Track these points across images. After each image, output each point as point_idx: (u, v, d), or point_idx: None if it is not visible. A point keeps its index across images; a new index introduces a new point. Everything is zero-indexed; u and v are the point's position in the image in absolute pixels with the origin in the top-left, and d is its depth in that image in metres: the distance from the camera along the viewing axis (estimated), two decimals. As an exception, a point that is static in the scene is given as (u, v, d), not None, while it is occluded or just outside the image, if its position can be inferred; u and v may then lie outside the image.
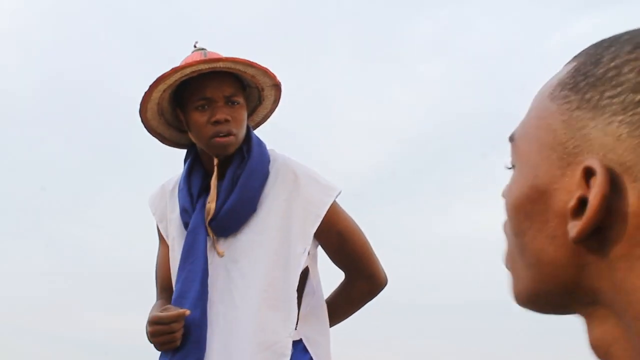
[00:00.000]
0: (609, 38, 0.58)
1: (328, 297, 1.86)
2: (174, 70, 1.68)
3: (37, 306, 5.33)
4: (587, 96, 0.54)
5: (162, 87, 1.70)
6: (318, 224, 1.72)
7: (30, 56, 5.77)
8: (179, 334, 1.62)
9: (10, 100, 5.57)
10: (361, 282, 1.84)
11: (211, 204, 1.73)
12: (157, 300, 1.88)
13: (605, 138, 0.52)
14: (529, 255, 0.57)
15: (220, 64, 1.69)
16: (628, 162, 0.51)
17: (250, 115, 1.84)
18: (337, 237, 1.78)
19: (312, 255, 1.78)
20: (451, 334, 5.35)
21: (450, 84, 5.84)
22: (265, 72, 1.74)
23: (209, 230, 1.73)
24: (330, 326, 1.84)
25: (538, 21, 5.77)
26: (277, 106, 1.87)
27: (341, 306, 1.87)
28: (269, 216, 1.72)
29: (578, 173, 0.53)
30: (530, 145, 0.58)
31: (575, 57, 0.59)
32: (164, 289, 1.87)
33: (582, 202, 0.52)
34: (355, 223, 1.82)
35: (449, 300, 5.40)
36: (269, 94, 1.82)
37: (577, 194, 0.53)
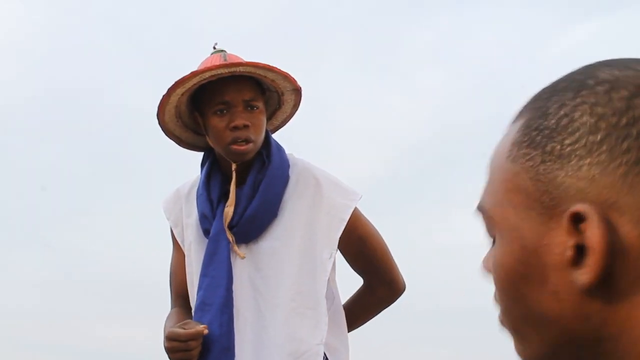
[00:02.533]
0: (546, 89, 0.59)
1: (345, 303, 1.84)
2: (193, 74, 1.65)
3: (35, 315, 5.32)
4: (548, 148, 0.55)
5: (180, 90, 1.67)
6: (343, 228, 1.70)
7: (28, 66, 5.79)
8: (195, 352, 1.59)
9: (9, 110, 5.58)
10: (381, 287, 1.83)
11: (229, 208, 1.70)
12: (172, 307, 1.85)
13: (579, 183, 0.53)
14: (535, 318, 0.56)
15: (241, 69, 1.66)
16: (609, 199, 0.52)
17: (269, 119, 1.81)
18: (358, 241, 1.76)
19: (334, 260, 1.75)
20: (451, 341, 5.34)
21: (449, 91, 5.86)
22: (286, 76, 1.71)
23: (229, 234, 1.70)
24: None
25: (537, 28, 5.79)
26: (296, 110, 1.84)
27: (359, 312, 1.85)
28: (292, 222, 1.70)
29: (565, 223, 0.53)
30: (506, 211, 0.57)
31: (519, 114, 0.60)
32: (179, 295, 1.83)
33: (578, 250, 0.52)
34: (375, 228, 1.81)
35: (449, 307, 5.40)
36: (288, 98, 1.80)
37: (571, 242, 0.52)
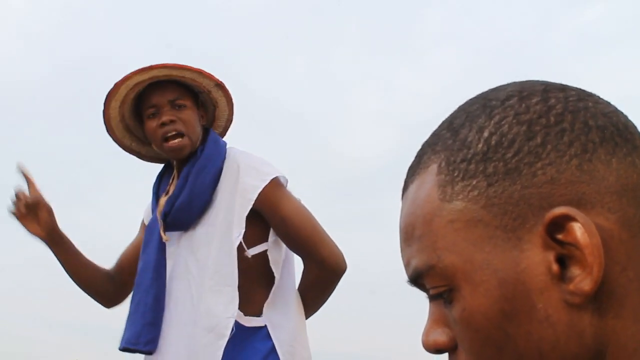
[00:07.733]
0: (441, 131, 0.57)
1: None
2: (117, 86, 1.83)
3: (55, 294, 5.35)
4: (490, 170, 0.52)
5: (115, 104, 1.88)
6: (250, 207, 1.77)
7: (35, 46, 5.76)
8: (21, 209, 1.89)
9: (15, 90, 5.57)
10: (313, 267, 1.83)
11: (163, 199, 1.88)
12: None
13: (541, 189, 0.50)
14: (529, 356, 0.51)
15: (155, 71, 1.81)
16: (576, 194, 0.50)
17: (213, 121, 1.97)
18: (282, 223, 1.80)
19: (274, 241, 1.83)
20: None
21: (460, 68, 5.82)
22: (201, 72, 1.83)
23: (160, 222, 1.87)
24: (308, 315, 1.88)
25: (547, 9, 5.72)
26: (233, 106, 1.95)
27: (304, 293, 1.87)
28: (219, 209, 1.83)
29: (538, 238, 0.50)
30: (466, 252, 0.52)
31: (423, 162, 0.57)
32: (118, 262, 2.04)
33: (560, 261, 0.49)
34: (302, 208, 1.83)
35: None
36: (217, 95, 1.91)
37: (552, 256, 0.49)
